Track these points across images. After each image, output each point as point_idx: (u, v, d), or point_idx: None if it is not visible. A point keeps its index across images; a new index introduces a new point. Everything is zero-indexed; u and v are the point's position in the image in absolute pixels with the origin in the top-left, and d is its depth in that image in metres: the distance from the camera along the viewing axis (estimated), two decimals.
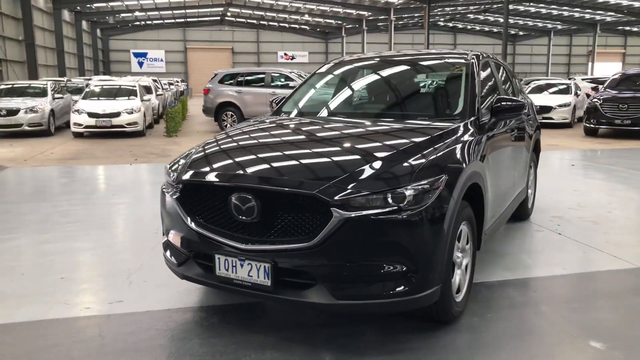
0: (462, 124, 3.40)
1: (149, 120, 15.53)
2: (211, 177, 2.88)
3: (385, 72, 4.35)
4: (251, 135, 3.46)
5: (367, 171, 2.70)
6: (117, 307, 3.38)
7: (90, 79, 16.19)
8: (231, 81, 15.27)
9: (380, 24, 47.97)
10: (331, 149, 3.06)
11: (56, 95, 15.15)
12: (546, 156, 10.20)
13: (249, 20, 54.02)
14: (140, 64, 54.00)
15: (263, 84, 15.32)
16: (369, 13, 44.07)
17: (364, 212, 2.54)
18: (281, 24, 54.61)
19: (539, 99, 15.98)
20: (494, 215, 3.74)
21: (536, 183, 5.69)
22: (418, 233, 2.61)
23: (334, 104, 4.12)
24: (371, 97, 4.18)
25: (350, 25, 50.05)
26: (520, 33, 60.38)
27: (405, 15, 46.92)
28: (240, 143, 3.32)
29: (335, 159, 2.93)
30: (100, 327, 3.11)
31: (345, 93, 4.25)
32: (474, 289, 3.56)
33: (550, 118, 15.61)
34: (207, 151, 3.23)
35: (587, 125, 13.58)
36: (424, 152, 2.88)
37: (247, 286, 2.74)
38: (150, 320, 3.18)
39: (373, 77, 4.37)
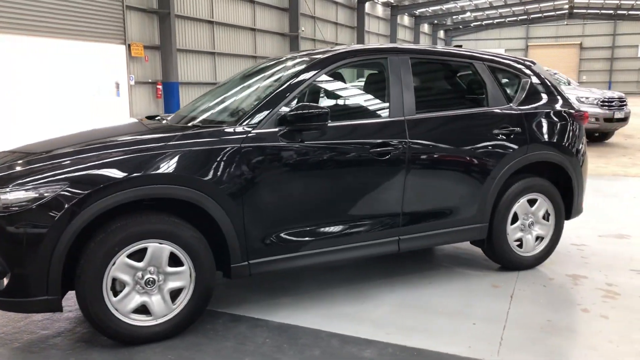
0: (211, 131, 3.09)
1: None
2: None
3: (267, 74, 3.86)
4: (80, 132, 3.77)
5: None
6: None
7: None
8: None
9: None
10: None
11: None
12: None
13: (602, 11, 47.65)
14: None
15: None
16: None
17: None
18: None
19: None
20: (282, 245, 3.20)
21: (560, 225, 4.01)
22: (6, 236, 2.67)
23: (191, 107, 3.96)
24: (220, 100, 3.84)
25: None
26: None
27: None
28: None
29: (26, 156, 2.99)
30: None
31: (212, 96, 4.02)
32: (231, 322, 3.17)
33: None
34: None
35: None
36: (73, 158, 2.81)
37: None
38: None
39: (250, 80, 3.96)
